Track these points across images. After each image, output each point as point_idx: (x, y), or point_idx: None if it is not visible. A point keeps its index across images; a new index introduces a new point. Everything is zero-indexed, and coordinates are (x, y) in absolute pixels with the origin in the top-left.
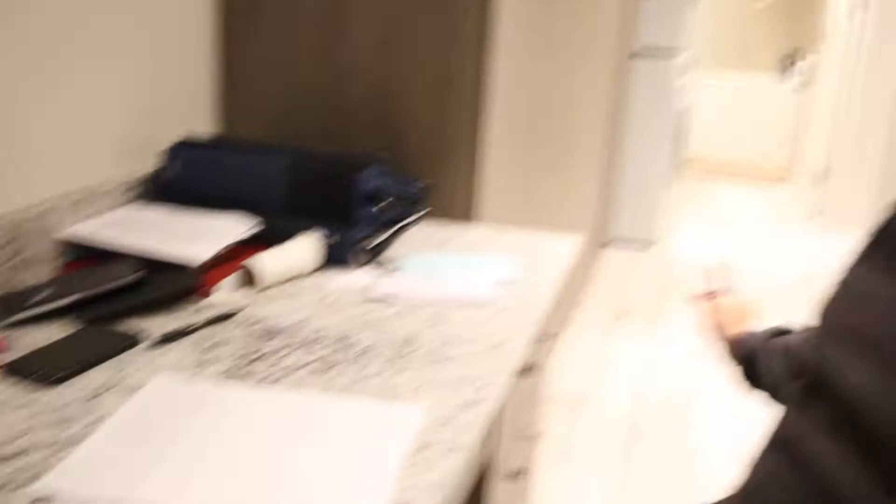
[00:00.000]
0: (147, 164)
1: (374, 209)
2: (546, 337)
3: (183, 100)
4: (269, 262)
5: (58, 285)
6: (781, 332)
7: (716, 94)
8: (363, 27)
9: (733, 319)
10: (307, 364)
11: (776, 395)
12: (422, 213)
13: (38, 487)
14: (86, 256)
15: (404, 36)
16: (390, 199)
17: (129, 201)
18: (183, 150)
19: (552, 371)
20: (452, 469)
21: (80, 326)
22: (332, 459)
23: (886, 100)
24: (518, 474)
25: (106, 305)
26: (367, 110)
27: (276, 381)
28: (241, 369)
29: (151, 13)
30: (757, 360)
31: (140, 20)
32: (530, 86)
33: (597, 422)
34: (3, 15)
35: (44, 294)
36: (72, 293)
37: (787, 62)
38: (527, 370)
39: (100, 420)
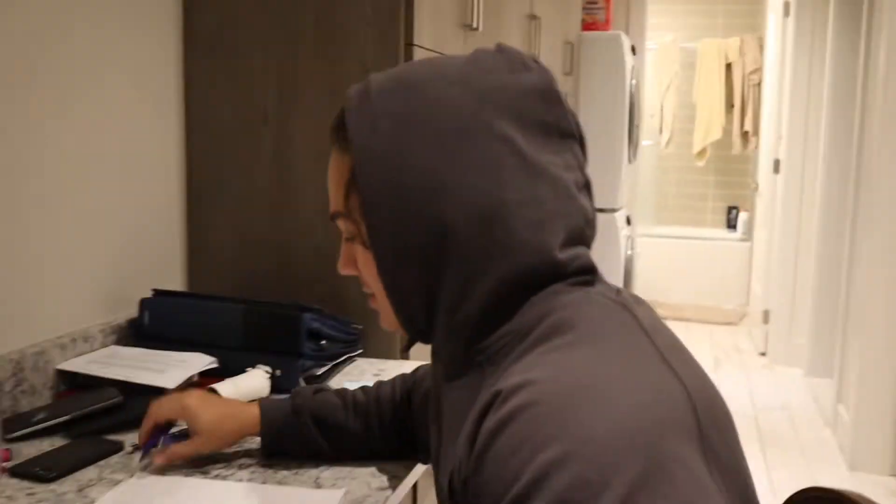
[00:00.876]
0: (125, 312)
1: (314, 346)
2: None
3: (157, 261)
4: (228, 387)
5: (53, 408)
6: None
7: (665, 245)
8: (305, 201)
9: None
10: (254, 463)
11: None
12: (357, 351)
13: None
14: (75, 386)
15: None
16: (329, 337)
17: (111, 343)
18: (153, 301)
19: None
20: None
21: (71, 440)
22: None
23: (811, 251)
24: None
25: (92, 423)
26: (311, 267)
27: (227, 476)
28: (200, 468)
29: (131, 191)
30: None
31: (122, 197)
32: None
33: None
34: (18, 198)
35: (42, 415)
36: (65, 413)
37: (732, 215)
38: None
39: (91, 503)
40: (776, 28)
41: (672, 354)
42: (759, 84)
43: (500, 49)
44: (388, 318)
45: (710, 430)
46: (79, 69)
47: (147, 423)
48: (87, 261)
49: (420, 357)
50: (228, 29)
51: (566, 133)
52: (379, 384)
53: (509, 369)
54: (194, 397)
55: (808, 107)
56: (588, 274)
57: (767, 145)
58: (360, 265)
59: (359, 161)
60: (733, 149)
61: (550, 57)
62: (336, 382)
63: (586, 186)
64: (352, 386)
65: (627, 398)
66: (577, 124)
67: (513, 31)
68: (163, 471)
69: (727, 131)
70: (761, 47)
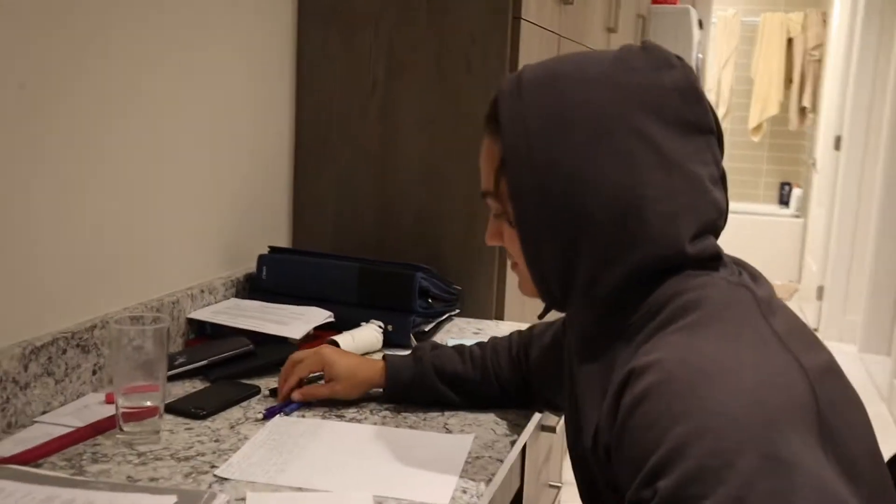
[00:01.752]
0: (243, 267)
1: (424, 303)
2: None
3: (267, 220)
4: (346, 338)
5: (190, 353)
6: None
7: None
8: (408, 164)
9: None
10: (384, 409)
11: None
12: (456, 311)
13: (217, 472)
14: (202, 334)
15: (441, 172)
16: (435, 296)
17: (231, 295)
18: (270, 258)
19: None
20: (493, 474)
21: (209, 383)
22: (415, 463)
23: (870, 229)
24: None
25: (227, 368)
26: (412, 229)
27: (362, 420)
28: (335, 412)
29: (245, 153)
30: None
31: (237, 158)
32: None
33: None
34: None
35: (181, 359)
36: (203, 358)
37: (785, 191)
38: (549, 428)
39: (243, 439)
40: (844, 3)
41: (791, 336)
42: (819, 60)
43: (646, 47)
44: (527, 285)
45: (828, 412)
46: (200, 39)
47: (292, 380)
48: (209, 217)
49: (514, 318)
50: (343, 3)
51: (705, 129)
52: (495, 339)
53: (641, 348)
54: (329, 349)
55: (873, 84)
56: (714, 261)
57: (827, 122)
58: (505, 239)
59: (508, 152)
60: (790, 125)
61: (624, 30)
62: (439, 339)
63: (721, 179)
64: (455, 342)
65: (750, 379)
66: (716, 120)
67: (598, 5)
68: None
69: (784, 107)
70: (825, 22)
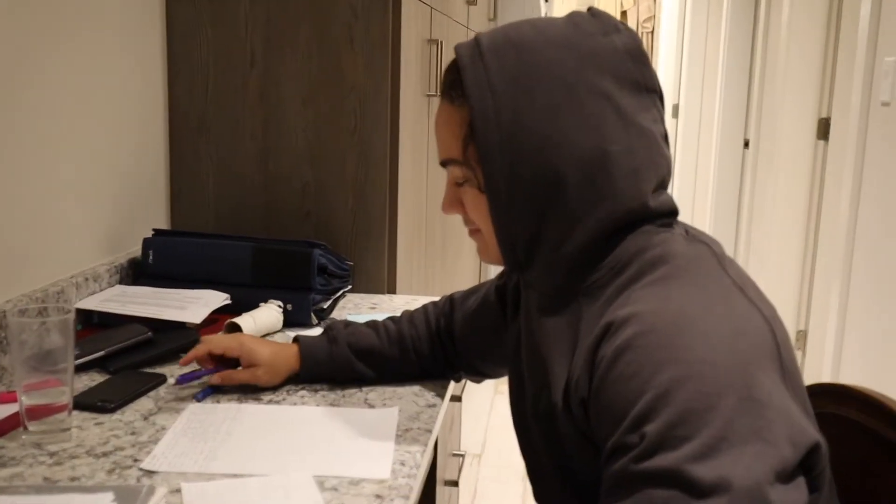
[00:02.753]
0: (126, 253)
1: (323, 280)
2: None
3: (146, 201)
4: (247, 320)
5: (85, 345)
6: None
7: None
8: (292, 140)
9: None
10: (300, 389)
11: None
12: (348, 286)
13: (143, 465)
14: (90, 324)
15: (326, 147)
16: (332, 273)
17: (115, 282)
18: (157, 241)
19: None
20: (426, 444)
21: (108, 375)
22: (346, 441)
23: (707, 196)
24: (452, 483)
25: (126, 358)
26: (298, 206)
27: (281, 401)
28: (252, 396)
29: (118, 134)
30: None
31: (110, 140)
32: (418, 183)
33: (497, 470)
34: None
35: (77, 351)
36: (100, 349)
37: None
38: (455, 397)
39: (160, 430)
40: None
41: (747, 286)
42: (652, 32)
43: (594, 13)
44: (490, 251)
45: (785, 352)
46: (64, 19)
47: (201, 350)
48: (86, 203)
49: (404, 291)
50: None
51: (651, 89)
52: (408, 312)
53: (613, 302)
54: (246, 337)
55: (705, 52)
56: (672, 216)
57: (664, 91)
58: (468, 206)
59: (477, 117)
60: None
61: (481, 4)
62: (337, 315)
63: (665, 137)
64: (354, 317)
65: (723, 327)
66: (658, 81)
67: None
68: (216, 399)
69: None
70: None
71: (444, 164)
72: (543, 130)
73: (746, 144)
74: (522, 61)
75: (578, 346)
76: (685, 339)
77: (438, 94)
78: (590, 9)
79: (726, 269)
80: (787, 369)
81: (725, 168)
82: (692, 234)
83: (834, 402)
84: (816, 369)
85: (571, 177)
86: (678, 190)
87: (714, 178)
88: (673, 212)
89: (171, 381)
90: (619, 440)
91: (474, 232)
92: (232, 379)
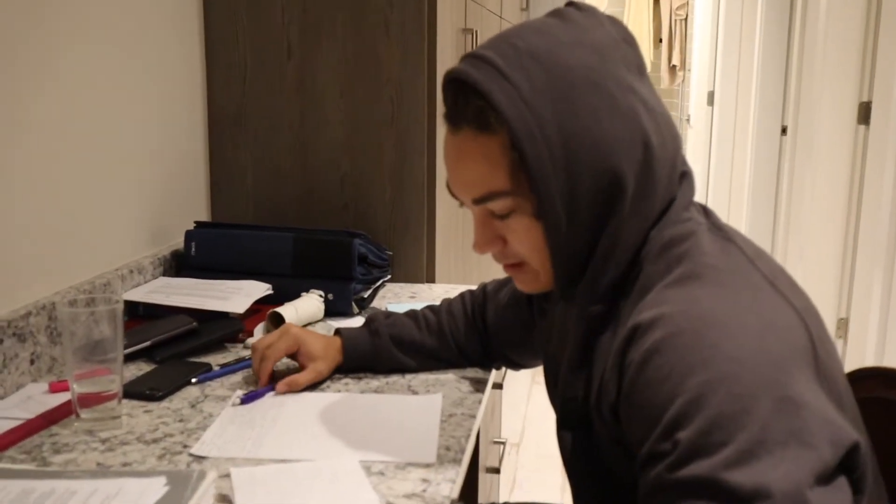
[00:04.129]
0: (168, 245)
1: (363, 270)
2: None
3: (187, 194)
4: (289, 310)
5: (130, 336)
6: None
7: None
8: (330, 131)
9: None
10: (343, 377)
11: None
12: (388, 276)
13: (192, 451)
14: (135, 316)
15: (364, 137)
16: (372, 262)
17: (159, 274)
18: (198, 233)
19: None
20: (470, 430)
21: (154, 365)
22: (391, 426)
23: (744, 183)
24: (493, 471)
25: (171, 348)
26: (336, 197)
27: (325, 389)
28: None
29: (161, 130)
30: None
31: (153, 137)
32: None
33: (536, 458)
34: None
35: (124, 342)
36: (146, 340)
37: None
38: (496, 385)
39: (208, 417)
40: None
41: (778, 280)
42: (685, 19)
43: (579, 7)
44: (539, 280)
45: (820, 348)
46: (100, 9)
47: (266, 366)
48: (129, 195)
49: (443, 280)
50: None
51: (645, 71)
52: (447, 302)
53: (639, 303)
54: (295, 328)
55: (740, 39)
56: (692, 203)
57: (699, 78)
58: (515, 238)
59: (523, 139)
60: (661, 83)
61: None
62: (377, 305)
63: None
64: (394, 307)
65: (753, 325)
66: None
67: None
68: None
69: (655, 66)
70: None
71: (482, 200)
72: (593, 137)
73: (784, 131)
74: (548, 71)
75: (605, 351)
76: (715, 340)
77: (449, 126)
78: (568, 3)
79: (755, 262)
80: (823, 366)
81: (762, 156)
82: (715, 224)
83: (881, 385)
84: (859, 357)
85: (628, 178)
86: (714, 180)
87: (751, 166)
88: (692, 200)
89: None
90: (653, 447)
91: (516, 266)
92: (297, 384)
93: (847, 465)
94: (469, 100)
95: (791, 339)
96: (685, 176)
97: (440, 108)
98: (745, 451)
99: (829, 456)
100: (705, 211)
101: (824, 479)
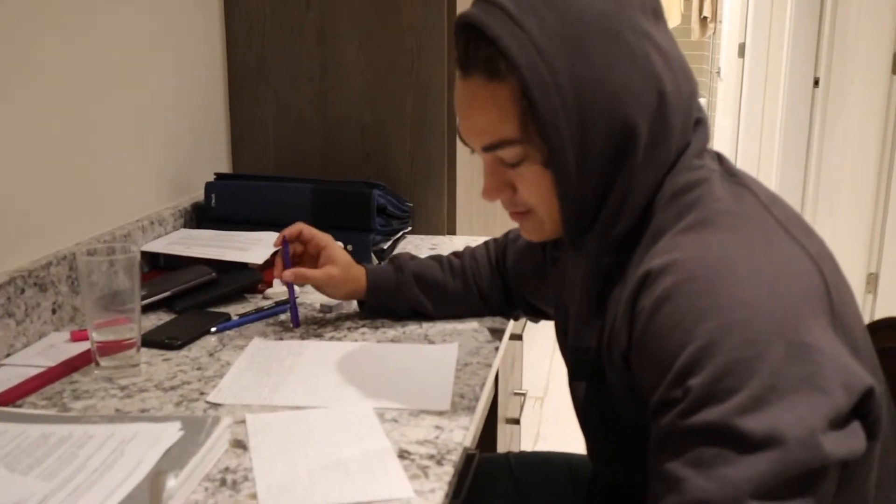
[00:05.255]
0: (189, 197)
1: (382, 221)
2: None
3: (207, 146)
4: None
5: (150, 286)
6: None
7: None
8: (350, 81)
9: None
10: (361, 326)
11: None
12: (408, 228)
13: (208, 398)
14: (156, 267)
15: (384, 88)
16: (391, 213)
17: (180, 226)
18: (218, 185)
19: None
20: (485, 378)
21: (174, 315)
22: (406, 375)
23: (774, 135)
24: (513, 421)
25: (191, 298)
26: (357, 148)
27: (342, 338)
28: (313, 332)
29: (181, 82)
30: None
31: (173, 89)
32: None
33: (560, 410)
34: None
35: (143, 292)
36: (167, 290)
37: None
38: (515, 336)
39: (225, 365)
40: None
41: (792, 225)
42: None
43: None
44: (544, 229)
45: (834, 292)
46: None
47: (295, 228)
48: (150, 147)
49: (464, 232)
50: None
51: (661, 15)
52: (471, 249)
53: (651, 249)
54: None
55: None
56: (706, 150)
57: (731, 30)
58: (524, 186)
59: (534, 87)
60: (692, 35)
61: None
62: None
63: None
64: None
65: (766, 271)
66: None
67: None
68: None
69: (686, 18)
70: None
71: (491, 147)
72: (606, 85)
73: (816, 83)
74: (561, 17)
75: (615, 299)
76: (727, 286)
77: (460, 72)
78: None
79: (769, 208)
80: (838, 311)
81: (794, 108)
82: (728, 170)
83: None
84: (888, 312)
85: (641, 125)
86: (744, 134)
87: (782, 119)
88: (706, 146)
89: (235, 319)
90: (664, 395)
91: (523, 214)
92: (305, 277)
93: (861, 411)
94: (479, 46)
95: (805, 284)
96: (700, 122)
97: None
98: (757, 396)
99: (842, 401)
100: (719, 158)
101: (837, 423)
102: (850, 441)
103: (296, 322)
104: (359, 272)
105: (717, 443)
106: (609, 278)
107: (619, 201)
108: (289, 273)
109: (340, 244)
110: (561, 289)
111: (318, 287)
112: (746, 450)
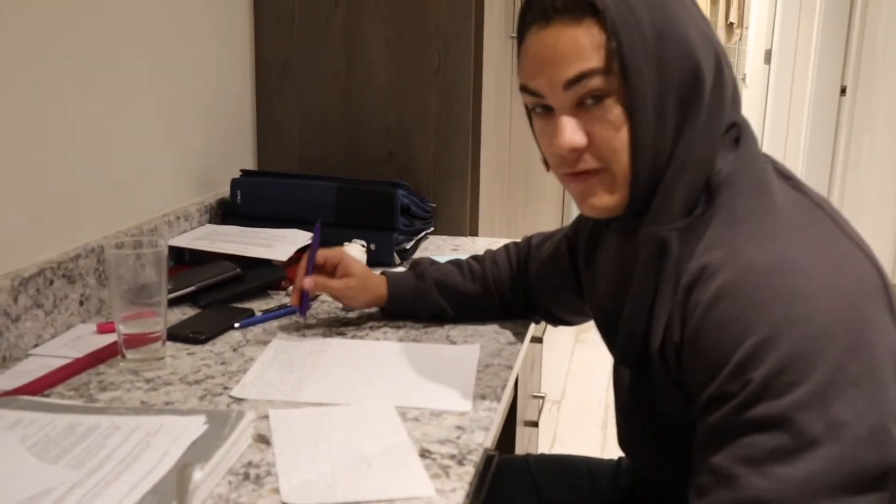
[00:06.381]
0: (214, 193)
1: (406, 221)
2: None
3: (233, 143)
4: None
5: (175, 281)
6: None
7: None
8: (376, 82)
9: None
10: (383, 325)
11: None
12: (431, 228)
13: (232, 393)
14: (181, 261)
15: (409, 89)
16: (415, 214)
17: (206, 222)
18: (244, 181)
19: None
20: (507, 380)
21: (198, 310)
22: (428, 374)
23: (799, 144)
24: (531, 424)
25: (216, 293)
26: (381, 148)
27: (364, 336)
28: (336, 330)
29: (209, 79)
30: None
31: (202, 86)
32: (502, 125)
33: (577, 414)
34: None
35: (169, 286)
36: (191, 284)
37: None
38: (535, 339)
39: (249, 361)
40: None
41: (845, 225)
42: None
43: None
44: (610, 192)
45: (891, 289)
46: None
47: (304, 266)
48: (177, 143)
49: (486, 234)
50: None
51: None
52: (492, 252)
53: (703, 239)
54: (345, 252)
55: None
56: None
57: (757, 36)
58: (603, 129)
59: (622, 32)
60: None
61: None
62: (420, 256)
63: None
64: (437, 259)
65: (824, 266)
66: None
67: None
68: (299, 329)
69: (712, 23)
70: None
71: (579, 78)
72: (680, 36)
73: (843, 91)
74: None
75: (670, 288)
76: (787, 280)
77: (539, 22)
78: None
79: (823, 206)
80: (895, 305)
81: (820, 117)
82: (779, 169)
83: None
84: None
85: (707, 74)
86: (768, 142)
87: (807, 127)
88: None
89: (258, 316)
90: (719, 389)
91: (592, 174)
92: (325, 285)
93: None
94: None
95: (863, 280)
96: (743, 122)
97: (487, 59)
98: (817, 392)
99: None
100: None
101: None
102: None
103: (303, 312)
104: (378, 280)
105: (773, 438)
106: (665, 256)
107: (682, 162)
108: (309, 280)
109: (363, 242)
110: (599, 286)
111: (338, 296)
112: (803, 446)
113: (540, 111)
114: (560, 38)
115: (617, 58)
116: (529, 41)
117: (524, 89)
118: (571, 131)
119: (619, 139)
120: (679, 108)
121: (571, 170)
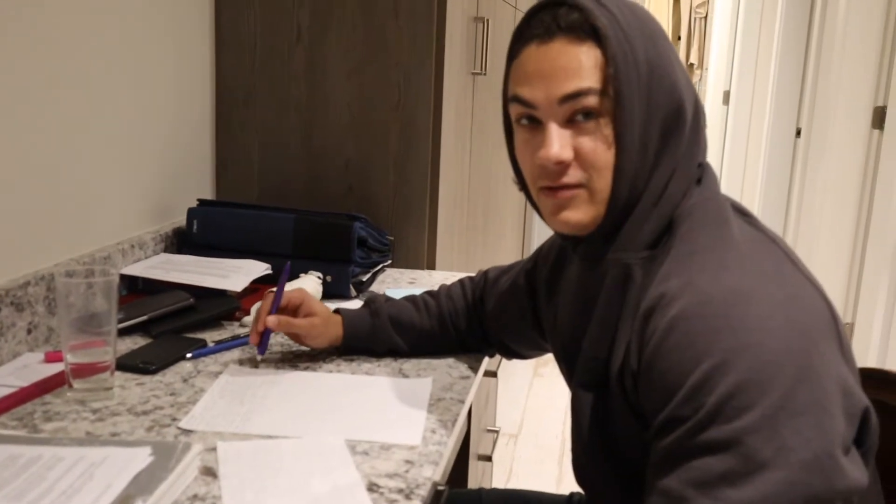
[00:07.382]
0: (171, 222)
1: (363, 253)
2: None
3: (192, 171)
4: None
5: (127, 310)
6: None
7: None
8: (336, 113)
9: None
10: (336, 358)
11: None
12: (388, 261)
13: (181, 424)
14: (134, 290)
15: (370, 121)
16: (372, 246)
17: (160, 251)
18: (201, 211)
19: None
20: (458, 414)
21: (150, 339)
22: (379, 408)
23: (756, 185)
24: (485, 458)
25: (168, 323)
26: (341, 179)
27: (317, 369)
28: (289, 363)
29: (168, 107)
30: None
31: (160, 114)
32: (461, 160)
33: (533, 449)
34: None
35: (120, 315)
36: (143, 314)
37: None
38: (489, 373)
39: (199, 392)
40: None
41: (797, 259)
42: (705, 17)
43: None
44: (587, 209)
45: (839, 326)
46: None
47: (267, 302)
48: (134, 171)
49: (444, 267)
50: None
51: None
52: (446, 287)
53: (662, 268)
54: (304, 291)
55: (759, 40)
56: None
57: (716, 77)
58: (590, 147)
59: (619, 58)
60: None
61: None
62: (375, 289)
63: None
64: (393, 292)
65: (779, 297)
66: None
67: None
68: (255, 363)
69: None
70: None
71: (576, 95)
72: (668, 74)
73: (798, 133)
74: (634, 13)
75: (630, 314)
76: (742, 310)
77: (539, 39)
78: None
79: (777, 242)
80: (843, 343)
81: (776, 157)
82: (735, 205)
83: (875, 387)
84: (864, 362)
85: (688, 116)
86: (726, 180)
87: (764, 167)
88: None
89: (210, 346)
90: (673, 412)
91: (573, 189)
92: (290, 324)
93: (858, 439)
94: (569, 12)
95: (815, 313)
96: (706, 164)
97: (447, 95)
98: (768, 416)
99: (847, 427)
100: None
101: (843, 448)
102: (854, 470)
103: (262, 350)
104: (336, 320)
105: (723, 461)
106: (629, 282)
107: (656, 192)
108: (272, 319)
109: (319, 274)
110: (560, 316)
111: (301, 337)
112: (753, 470)
113: (526, 122)
114: (562, 54)
115: (612, 83)
116: (527, 55)
117: (516, 99)
118: (560, 143)
119: (606, 157)
120: (661, 140)
121: (552, 182)
